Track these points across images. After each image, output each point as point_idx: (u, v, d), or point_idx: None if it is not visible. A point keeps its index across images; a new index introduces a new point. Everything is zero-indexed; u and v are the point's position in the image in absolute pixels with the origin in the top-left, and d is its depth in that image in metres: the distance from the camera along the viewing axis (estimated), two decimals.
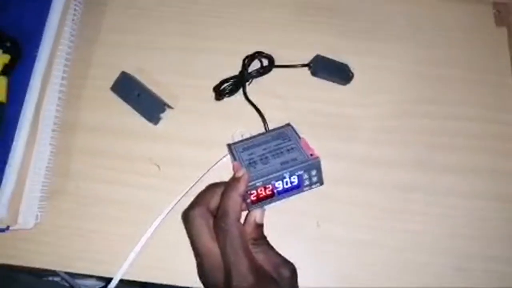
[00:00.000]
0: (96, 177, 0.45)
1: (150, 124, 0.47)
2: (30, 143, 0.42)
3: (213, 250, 0.36)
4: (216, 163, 0.45)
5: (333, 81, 0.49)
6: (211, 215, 0.38)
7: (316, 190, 0.41)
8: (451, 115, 0.48)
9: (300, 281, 0.38)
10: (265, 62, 0.49)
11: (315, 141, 0.42)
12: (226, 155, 0.45)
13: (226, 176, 0.42)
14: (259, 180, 0.39)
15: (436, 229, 0.44)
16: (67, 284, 0.69)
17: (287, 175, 0.39)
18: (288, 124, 0.45)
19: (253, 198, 0.39)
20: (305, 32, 0.51)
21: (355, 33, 0.51)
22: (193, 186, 0.44)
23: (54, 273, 0.62)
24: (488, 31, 0.52)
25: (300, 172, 0.39)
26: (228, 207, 0.37)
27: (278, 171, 0.39)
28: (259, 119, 0.47)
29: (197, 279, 0.39)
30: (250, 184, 0.38)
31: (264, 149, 0.42)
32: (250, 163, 0.40)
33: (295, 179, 0.39)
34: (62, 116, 0.47)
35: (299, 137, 0.43)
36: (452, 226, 0.44)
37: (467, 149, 0.47)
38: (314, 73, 0.49)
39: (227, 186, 0.38)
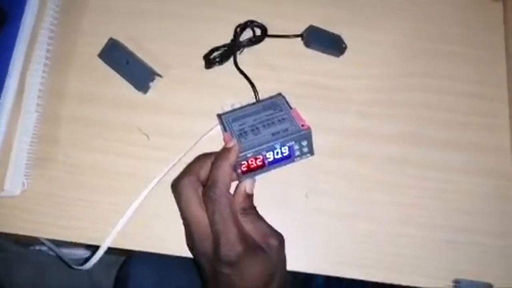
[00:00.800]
0: (84, 146, 0.45)
1: (139, 93, 0.46)
2: (15, 110, 0.42)
3: (202, 219, 0.36)
4: (206, 133, 0.45)
5: (326, 53, 0.48)
6: (201, 185, 0.38)
7: (306, 161, 0.41)
8: (443, 90, 0.48)
9: (288, 252, 0.38)
10: (258, 31, 0.48)
11: (306, 113, 0.42)
12: (216, 125, 0.45)
13: (216, 147, 0.42)
14: (250, 151, 0.38)
15: (425, 203, 0.45)
16: (53, 254, 0.69)
17: (278, 146, 0.39)
18: (280, 94, 0.45)
19: (243, 168, 0.39)
20: (298, 2, 0.50)
21: (349, 5, 0.50)
22: (182, 156, 0.44)
23: (40, 242, 0.62)
24: (483, 6, 0.51)
25: (291, 143, 0.39)
26: (217, 177, 0.37)
27: (269, 141, 0.39)
28: (250, 89, 0.46)
29: (186, 248, 0.39)
30: (241, 155, 0.38)
31: (255, 119, 0.41)
32: (240, 134, 0.40)
33: (286, 150, 0.39)
34: (49, 83, 0.46)
35: (291, 108, 0.42)
36: (442, 199, 0.45)
37: (459, 123, 0.47)
38: (307, 44, 0.48)
39: (217, 156, 0.38)
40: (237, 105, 0.45)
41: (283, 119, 0.41)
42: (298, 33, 0.48)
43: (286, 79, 0.47)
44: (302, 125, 0.40)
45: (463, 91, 0.48)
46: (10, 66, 0.41)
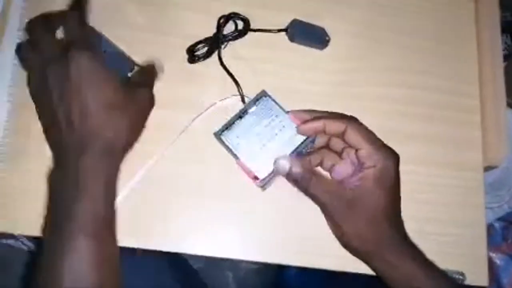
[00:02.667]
0: None
1: None
2: None
3: None
4: (187, 126, 0.44)
5: (310, 46, 0.48)
6: None
7: None
8: (415, 84, 0.50)
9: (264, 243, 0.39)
10: (240, 24, 0.47)
11: (291, 107, 0.42)
12: (196, 118, 0.44)
13: (197, 141, 0.43)
14: (269, 176, 0.41)
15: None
16: (25, 247, 0.67)
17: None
18: (264, 92, 0.44)
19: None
20: None
21: None
22: (165, 150, 0.43)
23: (10, 236, 0.60)
24: (456, 4, 0.53)
25: (302, 151, 0.42)
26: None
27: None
28: (232, 83, 0.45)
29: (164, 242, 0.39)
30: (264, 182, 0.41)
31: (258, 134, 0.42)
32: (252, 155, 0.41)
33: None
34: (22, 72, 0.43)
35: (286, 112, 0.43)
36: (412, 191, 0.46)
37: (428, 118, 0.49)
38: (291, 39, 0.48)
39: None
40: (219, 103, 0.45)
41: (284, 126, 0.42)
42: (282, 27, 0.48)
43: (271, 74, 0.47)
44: None
45: (435, 86, 0.50)
46: None
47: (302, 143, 0.41)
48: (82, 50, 0.36)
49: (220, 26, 0.46)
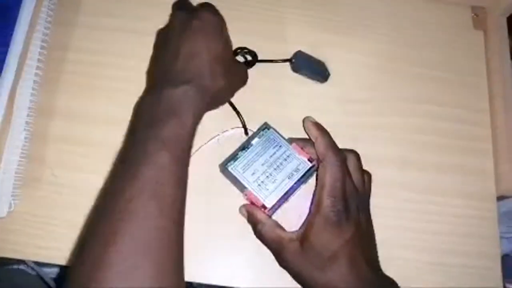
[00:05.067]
0: (72, 165, 0.44)
1: (127, 111, 0.45)
2: (4, 128, 0.40)
3: None
4: (193, 153, 0.44)
5: (312, 78, 0.49)
6: None
7: (297, 192, 0.44)
8: (426, 114, 0.50)
9: (281, 275, 0.39)
10: (249, 57, 0.48)
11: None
12: (197, 150, 0.44)
13: (201, 166, 0.43)
14: (277, 202, 0.41)
15: (412, 225, 0.46)
16: (33, 273, 0.67)
17: (297, 186, 0.42)
18: (266, 124, 0.44)
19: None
20: (286, 24, 0.51)
21: (335, 28, 0.51)
22: None
23: (20, 261, 0.60)
24: (466, 33, 0.54)
25: (308, 179, 0.43)
26: None
27: (290, 186, 0.42)
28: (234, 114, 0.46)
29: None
30: (271, 210, 0.41)
31: (263, 164, 0.42)
32: (259, 185, 0.42)
33: (302, 184, 0.43)
34: (38, 100, 0.45)
35: (289, 142, 0.43)
36: (428, 222, 0.46)
37: (441, 148, 0.49)
38: (295, 69, 0.48)
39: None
40: (221, 139, 0.45)
41: (288, 156, 0.43)
42: (287, 57, 0.48)
43: (275, 104, 0.48)
44: (309, 160, 0.43)
45: (446, 115, 0.50)
46: (0, 82, 0.40)
47: (307, 171, 0.42)
48: (211, 11, 0.41)
49: None
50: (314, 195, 0.40)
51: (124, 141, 0.43)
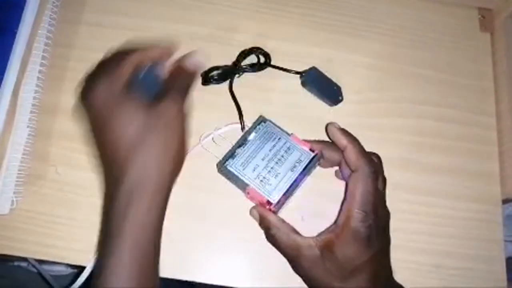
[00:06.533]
0: (76, 163, 0.44)
1: None
2: (7, 125, 0.40)
3: None
4: (190, 150, 0.44)
5: (320, 98, 0.48)
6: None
7: (302, 185, 0.43)
8: (432, 116, 0.49)
9: (282, 275, 0.39)
10: (262, 58, 0.48)
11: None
12: (197, 144, 0.44)
13: (199, 165, 0.43)
14: (282, 197, 0.40)
15: (415, 227, 0.45)
16: (34, 270, 0.67)
17: (302, 177, 0.41)
18: (262, 117, 0.43)
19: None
20: (292, 25, 0.51)
21: (340, 29, 0.51)
22: None
23: (21, 258, 0.60)
24: (472, 35, 0.53)
25: (312, 170, 0.42)
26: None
27: (293, 179, 0.40)
28: (235, 111, 0.46)
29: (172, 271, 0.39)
30: (277, 207, 0.40)
31: (263, 158, 0.41)
32: (261, 181, 0.40)
33: (306, 176, 0.42)
34: (42, 98, 0.44)
35: (288, 134, 0.43)
36: (432, 225, 0.46)
37: (446, 150, 0.48)
38: (303, 84, 0.48)
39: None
40: (216, 135, 0.45)
41: (288, 148, 0.41)
42: (300, 70, 0.48)
43: (276, 106, 0.47)
44: (311, 150, 0.41)
45: (452, 117, 0.50)
46: (4, 79, 0.40)
47: (310, 161, 0.41)
48: (177, 106, 0.36)
49: (240, 58, 0.47)
50: (342, 203, 0.39)
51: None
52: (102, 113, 0.35)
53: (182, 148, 0.36)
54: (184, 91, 0.37)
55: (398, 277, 0.41)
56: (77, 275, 0.41)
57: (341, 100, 0.48)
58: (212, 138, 0.45)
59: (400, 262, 0.43)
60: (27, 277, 0.67)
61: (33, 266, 0.59)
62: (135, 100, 0.35)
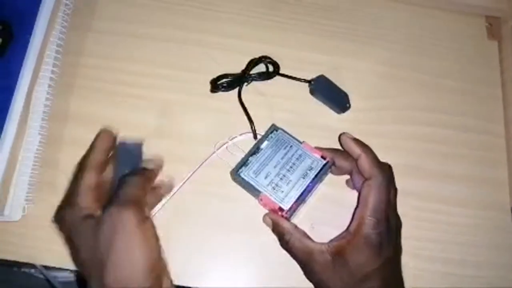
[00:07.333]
0: None
1: (140, 117, 0.46)
2: (19, 132, 0.41)
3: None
4: (206, 159, 0.44)
5: (328, 106, 0.48)
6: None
7: (315, 192, 0.44)
8: (440, 123, 0.49)
9: (294, 282, 0.39)
10: (271, 67, 0.49)
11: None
12: (213, 153, 0.45)
13: (214, 173, 0.43)
14: (295, 203, 0.40)
15: (425, 234, 0.45)
16: (41, 276, 0.67)
17: (313, 185, 0.41)
18: (274, 126, 0.44)
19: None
20: (301, 33, 0.51)
21: (348, 37, 0.52)
22: (183, 184, 0.44)
23: (29, 264, 0.60)
24: (480, 43, 0.53)
25: (323, 177, 0.42)
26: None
27: (305, 186, 0.41)
28: (244, 119, 0.46)
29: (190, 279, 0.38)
30: (289, 213, 0.40)
31: (275, 166, 0.42)
32: (274, 188, 0.41)
33: (317, 183, 0.42)
34: (53, 105, 0.45)
35: (300, 142, 0.43)
36: (441, 232, 0.45)
37: (454, 157, 0.48)
38: (312, 92, 0.48)
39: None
40: (230, 144, 0.45)
41: (300, 155, 0.42)
42: (308, 77, 0.48)
43: (284, 114, 0.48)
44: (322, 157, 0.42)
45: (460, 125, 0.50)
46: (17, 87, 0.41)
47: (321, 168, 0.41)
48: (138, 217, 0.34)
49: (249, 67, 0.47)
50: (355, 211, 0.39)
51: None
52: (70, 238, 0.36)
53: (147, 247, 0.34)
54: (132, 197, 0.35)
55: (408, 284, 0.41)
56: (84, 282, 0.41)
57: (349, 108, 0.48)
58: (226, 147, 0.45)
59: (410, 270, 0.43)
60: (35, 283, 0.67)
61: (41, 272, 0.59)
62: (90, 222, 0.34)
